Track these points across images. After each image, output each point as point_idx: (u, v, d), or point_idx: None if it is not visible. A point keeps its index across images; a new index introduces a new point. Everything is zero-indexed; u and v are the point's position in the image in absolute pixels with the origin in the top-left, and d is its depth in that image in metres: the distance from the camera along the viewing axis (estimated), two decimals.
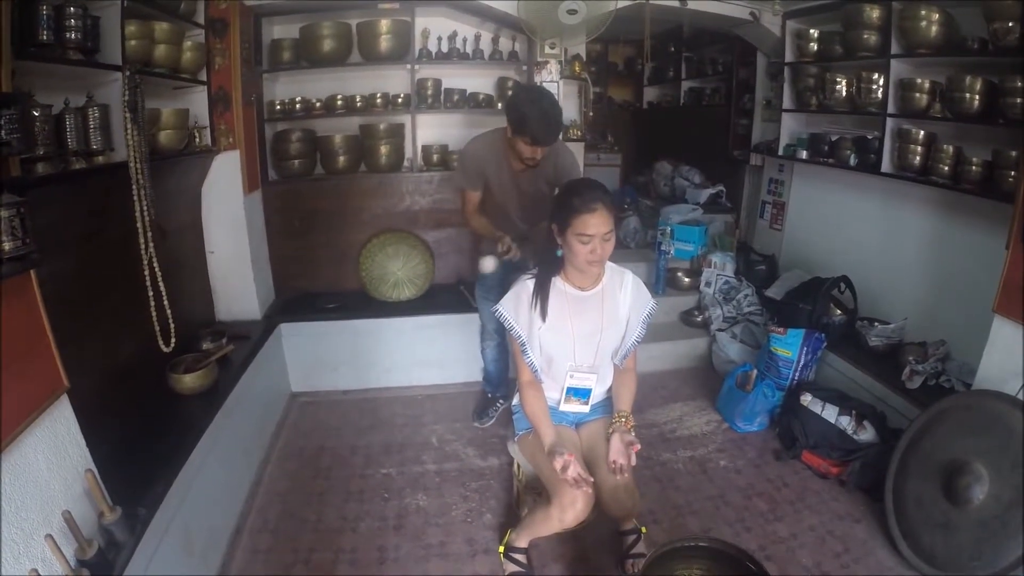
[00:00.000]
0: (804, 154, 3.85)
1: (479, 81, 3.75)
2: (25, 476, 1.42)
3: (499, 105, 3.66)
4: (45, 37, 1.74)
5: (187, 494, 2.04)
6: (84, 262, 2.01)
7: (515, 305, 2.12)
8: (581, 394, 2.20)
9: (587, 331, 2.11)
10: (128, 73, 2.03)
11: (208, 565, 2.21)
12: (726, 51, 5.24)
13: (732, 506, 2.71)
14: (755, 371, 3.34)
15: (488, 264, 2.70)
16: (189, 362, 2.52)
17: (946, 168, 2.95)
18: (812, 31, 3.76)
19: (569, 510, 1.93)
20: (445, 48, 3.59)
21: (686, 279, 4.23)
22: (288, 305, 3.56)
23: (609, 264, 2.14)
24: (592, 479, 1.96)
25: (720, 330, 3.81)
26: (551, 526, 2.06)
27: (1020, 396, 2.20)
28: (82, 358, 1.71)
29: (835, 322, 3.42)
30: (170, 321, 2.20)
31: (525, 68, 3.62)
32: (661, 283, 4.10)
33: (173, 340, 2.24)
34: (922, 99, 3.06)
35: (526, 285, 2.11)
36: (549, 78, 3.42)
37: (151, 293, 2.14)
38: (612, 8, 2.77)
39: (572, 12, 2.79)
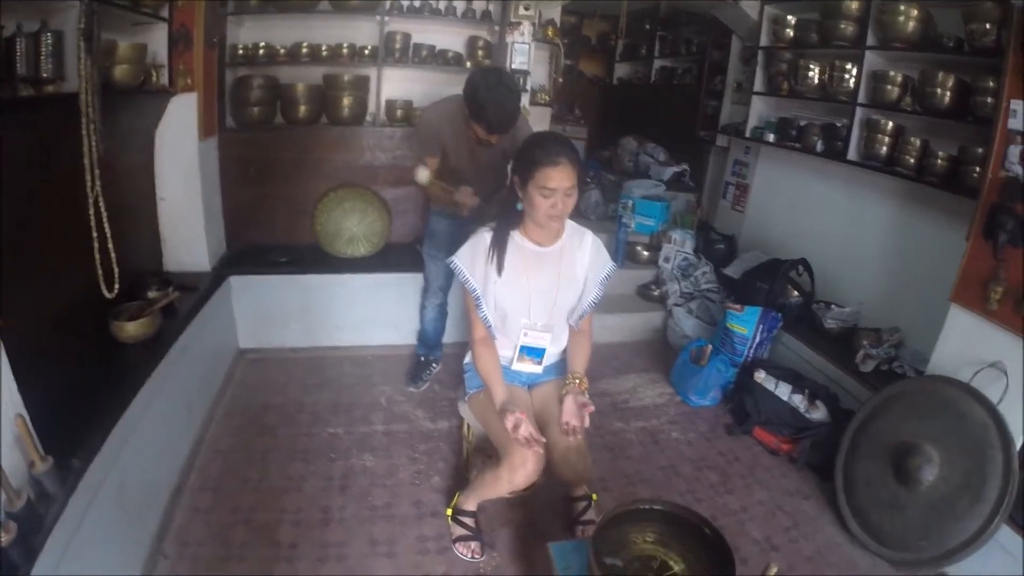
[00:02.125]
0: (772, 137, 3.81)
1: (450, 38, 3.57)
2: None
3: (468, 64, 3.49)
4: None
5: (124, 447, 1.87)
6: (26, 196, 1.82)
7: (471, 257, 2.01)
8: (535, 353, 2.12)
9: (543, 288, 2.02)
10: (85, 1, 1.82)
11: (145, 523, 2.05)
12: (701, 32, 5.18)
13: (683, 477, 2.68)
14: (710, 346, 3.31)
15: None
16: (133, 310, 2.32)
17: (912, 160, 2.95)
18: (789, 17, 3.72)
19: (520, 470, 1.86)
20: (417, 2, 3.40)
21: (645, 253, 4.18)
22: (239, 257, 3.34)
23: (570, 223, 2.06)
24: (544, 440, 1.88)
25: (677, 305, 3.77)
26: (501, 487, 1.98)
27: (972, 383, 2.22)
28: (17, 298, 1.54)
29: (791, 303, 3.42)
30: (114, 266, 1.98)
31: (497, 28, 3.45)
32: (620, 255, 4.04)
33: (117, 286, 2.02)
34: (893, 92, 3.05)
35: (483, 237, 2.00)
36: (521, 39, 3.27)
37: (96, 235, 1.93)
38: None
39: None
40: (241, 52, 3.29)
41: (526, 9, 3.20)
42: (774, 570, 1.35)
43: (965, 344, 2.35)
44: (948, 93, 2.75)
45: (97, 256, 1.94)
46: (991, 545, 2.03)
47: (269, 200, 3.47)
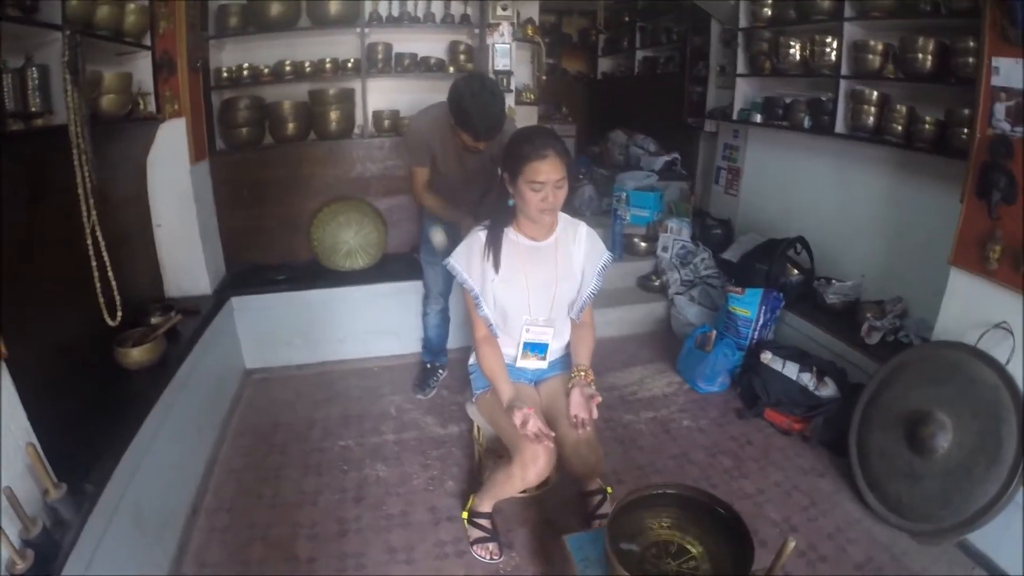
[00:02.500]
0: (758, 118, 3.82)
1: (431, 45, 3.60)
2: None
3: (451, 69, 3.51)
4: None
5: (137, 471, 1.89)
6: (22, 230, 1.83)
7: (467, 257, 2.02)
8: (538, 349, 2.12)
9: (542, 282, 2.02)
10: (68, 33, 1.86)
11: (164, 545, 2.06)
12: (679, 20, 5.18)
13: (697, 464, 2.67)
14: (714, 332, 3.30)
15: (438, 237, 2.70)
16: (137, 336, 2.33)
17: (899, 128, 2.95)
18: None
19: (531, 467, 1.86)
20: (396, 12, 3.42)
21: (642, 244, 4.19)
22: (239, 278, 3.35)
23: (562, 215, 2.07)
24: (553, 434, 1.88)
25: (678, 294, 3.77)
26: (514, 485, 1.98)
27: (978, 345, 2.20)
28: (22, 331, 1.55)
29: (792, 282, 3.41)
30: (115, 293, 2.01)
31: (477, 31, 3.46)
32: (618, 248, 4.04)
33: (119, 313, 2.05)
34: (875, 61, 3.04)
35: (478, 236, 2.01)
36: (501, 40, 3.29)
37: (95, 264, 1.95)
38: None
39: None
40: (225, 75, 3.32)
41: (504, 10, 3.22)
42: (791, 545, 1.35)
43: (968, 307, 2.34)
44: (930, 57, 2.76)
45: (98, 285, 1.97)
46: (1011, 508, 2.01)
47: (264, 219, 3.49)
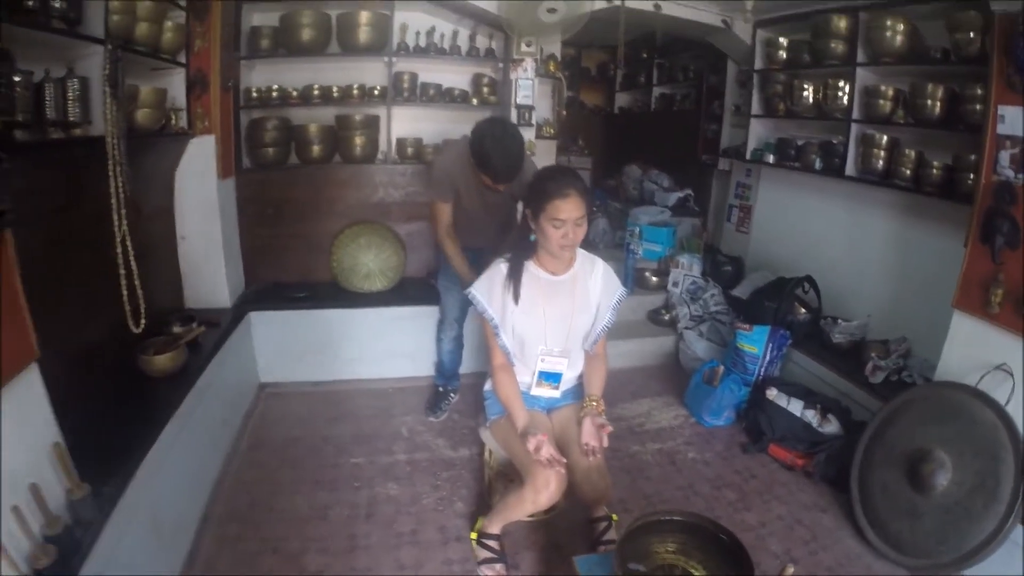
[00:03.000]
0: (771, 158, 3.94)
1: (455, 76, 3.75)
2: None
3: (474, 101, 3.66)
4: (31, 3, 1.68)
5: (156, 476, 1.96)
6: (55, 235, 1.92)
7: (488, 288, 2.11)
8: (552, 378, 2.20)
9: (559, 315, 2.11)
10: (110, 47, 1.98)
11: (176, 550, 2.14)
12: (697, 58, 5.33)
13: (702, 496, 2.73)
14: (722, 367, 3.37)
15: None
16: (159, 344, 2.43)
17: (908, 172, 3.05)
18: (782, 39, 3.87)
19: (543, 491, 1.93)
20: (423, 43, 3.58)
21: (653, 278, 4.28)
22: (258, 294, 3.46)
23: (581, 252, 2.17)
24: (565, 460, 1.96)
25: (687, 328, 3.85)
26: (525, 509, 2.04)
27: (979, 386, 2.27)
28: (49, 332, 1.60)
29: (799, 320, 3.49)
30: (141, 302, 2.11)
31: (501, 65, 3.62)
32: (629, 282, 4.13)
33: (143, 321, 2.15)
34: (886, 105, 3.16)
35: (500, 268, 2.10)
36: (525, 75, 3.45)
37: (123, 272, 2.05)
38: (588, 8, 2.82)
39: (552, 11, 2.82)
40: (255, 95, 3.46)
41: (528, 46, 3.38)
42: (791, 571, 1.42)
43: (970, 349, 2.42)
44: (939, 103, 2.87)
45: (124, 292, 2.06)
46: (1008, 545, 2.08)
47: (286, 238, 3.61)
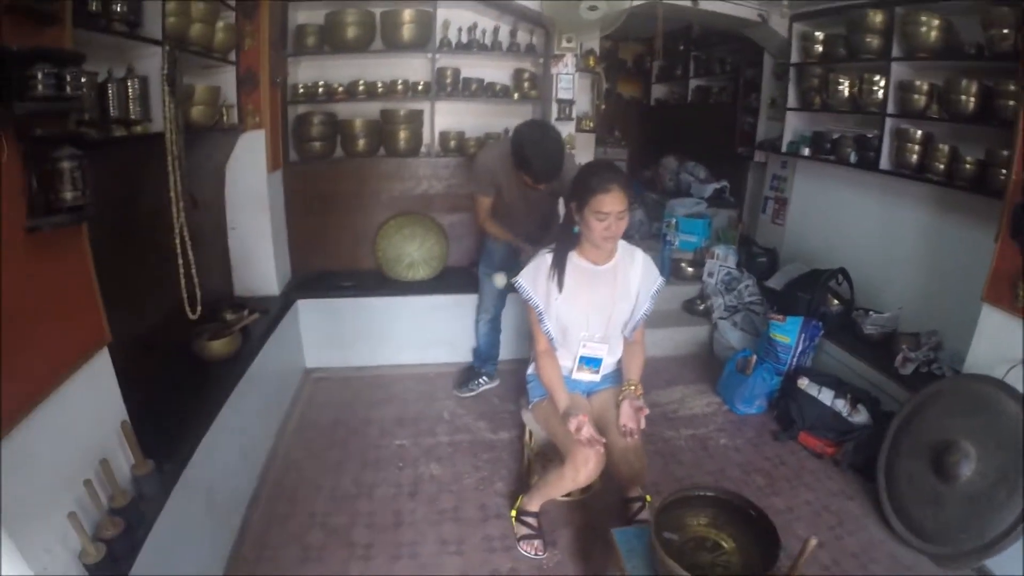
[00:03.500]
0: (807, 151, 3.97)
1: (497, 72, 3.87)
2: (66, 422, 1.47)
3: (515, 96, 3.78)
4: (94, 7, 1.80)
5: (211, 456, 2.11)
6: (118, 227, 2.07)
7: (533, 277, 2.24)
8: (593, 363, 2.33)
9: (600, 303, 2.24)
10: (167, 48, 2.12)
11: (228, 527, 2.32)
12: (734, 51, 5.36)
13: (732, 480, 2.83)
14: (755, 356, 3.45)
15: (499, 280, 2.98)
16: (213, 330, 2.61)
17: (941, 166, 3.08)
18: (817, 33, 3.89)
19: (583, 468, 2.06)
20: (465, 39, 3.70)
21: (689, 269, 4.36)
22: (305, 282, 3.65)
23: (622, 243, 2.27)
24: (604, 440, 2.09)
25: (722, 318, 3.94)
26: (564, 485, 2.18)
27: (1006, 379, 2.32)
28: (114, 318, 1.74)
29: (832, 311, 3.54)
30: (196, 289, 2.24)
31: (541, 60, 3.72)
32: (666, 272, 4.21)
33: (199, 308, 2.27)
34: (920, 100, 3.19)
35: (544, 259, 2.23)
36: (565, 70, 3.55)
37: (180, 261, 2.19)
38: (628, 5, 2.92)
39: (593, 8, 2.93)
40: (301, 90, 3.62)
41: (568, 42, 3.47)
42: (813, 542, 1.54)
43: (998, 342, 2.45)
44: (972, 99, 2.89)
45: (182, 280, 2.18)
46: None
47: (332, 228, 3.79)
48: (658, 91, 7.21)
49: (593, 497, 2.57)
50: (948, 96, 3.01)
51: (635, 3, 3.35)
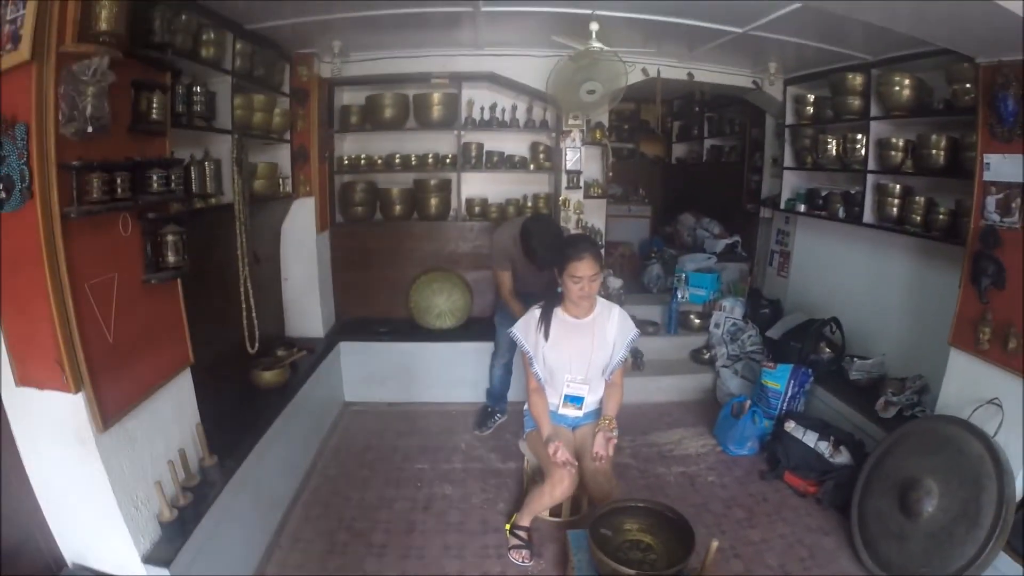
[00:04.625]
0: (802, 207, 4.32)
1: (516, 145, 4.56)
2: (159, 418, 2.18)
3: (531, 167, 4.45)
4: (180, 109, 2.50)
5: (260, 462, 2.76)
6: (197, 277, 2.68)
7: (525, 327, 2.80)
8: (576, 400, 2.83)
9: (581, 350, 2.75)
10: (236, 136, 2.90)
11: (271, 520, 2.93)
12: (742, 113, 5.74)
13: (712, 513, 3.20)
14: (748, 401, 3.82)
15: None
16: (266, 363, 3.30)
17: (918, 218, 3.34)
18: (809, 96, 4.28)
19: (558, 486, 2.57)
20: (487, 116, 4.40)
21: (697, 320, 4.79)
22: (346, 327, 4.38)
23: (601, 300, 2.81)
24: (576, 463, 2.59)
25: (724, 366, 4.34)
26: (544, 501, 2.69)
27: (971, 419, 2.58)
28: (197, 348, 2.45)
29: (823, 359, 3.89)
30: (255, 328, 2.99)
31: (554, 135, 4.36)
32: (673, 324, 4.70)
33: (257, 344, 3.03)
34: (897, 156, 3.46)
35: (534, 313, 2.80)
36: (572, 144, 4.17)
37: (244, 306, 2.94)
38: (624, 86, 3.51)
39: (591, 92, 3.54)
40: (346, 162, 4.39)
41: (575, 119, 4.10)
42: (715, 544, 1.98)
43: (965, 383, 2.70)
44: (942, 152, 3.14)
45: (244, 321, 2.93)
46: (991, 572, 2.36)
47: (372, 282, 4.51)
48: (678, 150, 7.69)
49: (580, 519, 3.00)
50: (920, 151, 3.29)
51: (632, 81, 3.93)
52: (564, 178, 4.28)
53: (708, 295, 4.80)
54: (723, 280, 4.93)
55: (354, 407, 4.35)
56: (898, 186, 3.54)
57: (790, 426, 3.50)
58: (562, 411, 2.86)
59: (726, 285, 4.92)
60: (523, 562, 2.79)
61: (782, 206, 4.62)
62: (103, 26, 1.76)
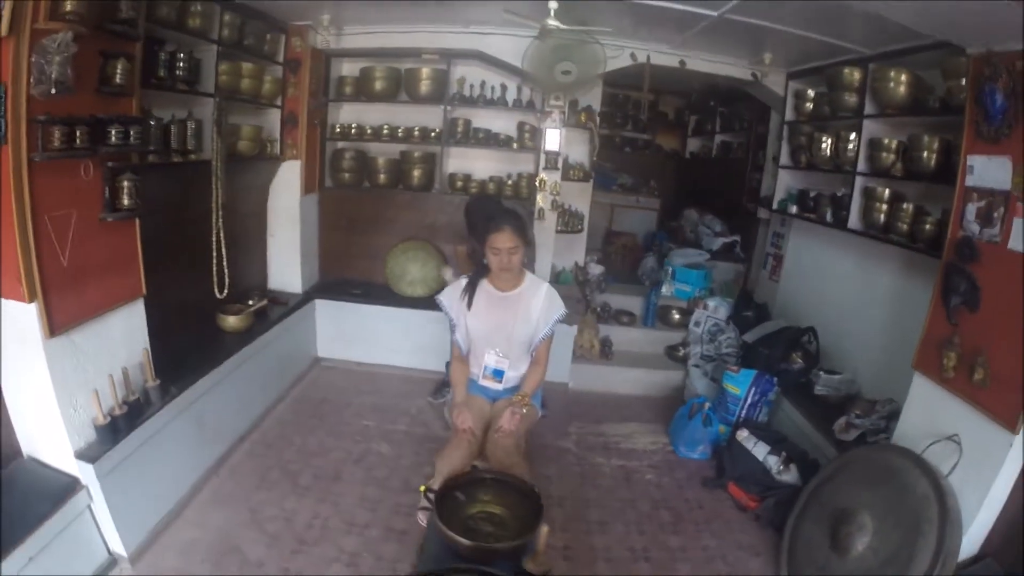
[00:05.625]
0: (794, 209, 4.27)
1: (503, 123, 4.75)
2: (105, 339, 2.61)
3: (514, 146, 4.63)
4: (162, 74, 2.96)
5: (207, 394, 3.20)
6: (174, 223, 3.26)
7: (450, 295, 3.00)
8: (496, 373, 2.98)
9: (502, 323, 2.90)
10: (217, 99, 3.30)
11: (213, 449, 3.35)
12: (750, 108, 5.62)
13: (637, 511, 3.26)
14: (708, 403, 3.88)
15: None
16: (233, 309, 3.71)
17: (904, 226, 3.17)
18: (810, 91, 4.18)
19: (455, 452, 2.73)
20: (475, 93, 4.62)
21: (677, 316, 4.87)
22: (326, 286, 4.79)
23: (532, 276, 2.97)
24: (476, 433, 2.75)
25: (695, 366, 4.39)
26: (444, 464, 2.81)
27: (925, 455, 2.40)
28: (162, 284, 2.90)
29: (793, 369, 3.89)
30: (225, 276, 3.40)
31: (539, 115, 4.50)
32: (651, 317, 4.82)
33: (226, 290, 3.44)
34: (888, 158, 3.32)
35: (461, 282, 2.98)
36: (552, 125, 4.33)
37: (215, 254, 3.35)
38: (600, 71, 3.59)
39: (566, 72, 3.63)
40: (338, 130, 4.74)
41: (556, 100, 4.25)
42: (545, 529, 2.04)
43: (926, 413, 2.53)
44: (934, 155, 2.99)
45: (214, 267, 3.33)
46: None
47: (354, 245, 4.88)
48: (693, 144, 7.62)
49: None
50: (911, 153, 3.13)
51: (620, 66, 4.01)
52: (542, 158, 4.44)
53: (693, 291, 4.85)
54: (715, 279, 4.96)
55: (325, 362, 4.77)
56: (887, 190, 3.38)
57: (742, 435, 3.52)
58: (482, 382, 3.00)
59: (718, 284, 4.95)
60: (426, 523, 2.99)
61: (774, 206, 4.58)
62: (68, 7, 2.15)
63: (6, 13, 1.97)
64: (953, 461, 2.33)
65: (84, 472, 2.46)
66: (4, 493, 2.31)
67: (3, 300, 2.24)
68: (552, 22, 3.12)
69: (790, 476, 3.20)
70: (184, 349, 3.27)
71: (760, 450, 3.37)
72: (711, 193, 6.37)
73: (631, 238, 6.04)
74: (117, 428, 2.58)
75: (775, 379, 3.80)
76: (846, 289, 3.99)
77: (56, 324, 2.30)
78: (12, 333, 2.28)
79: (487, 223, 2.78)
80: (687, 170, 7.63)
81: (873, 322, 3.68)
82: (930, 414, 2.52)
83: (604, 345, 4.56)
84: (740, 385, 3.81)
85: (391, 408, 4.14)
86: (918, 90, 3.22)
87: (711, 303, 4.62)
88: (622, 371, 4.53)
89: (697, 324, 4.61)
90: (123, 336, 2.71)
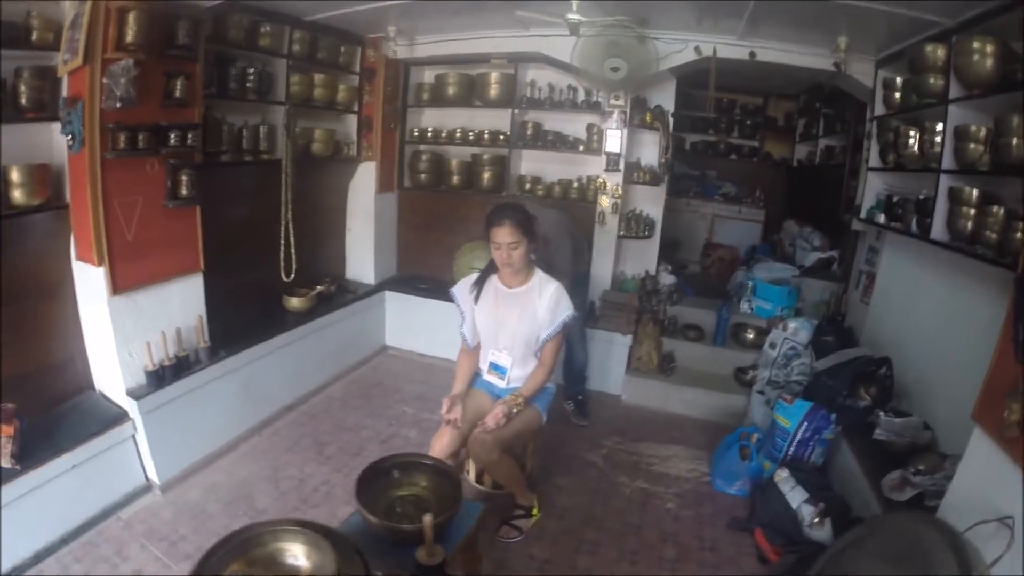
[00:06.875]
0: (881, 217, 3.55)
1: (573, 125, 4.67)
2: (164, 302, 3.14)
3: (580, 148, 4.54)
4: (233, 86, 3.45)
5: (258, 362, 3.62)
6: (249, 214, 3.75)
7: (462, 289, 3.03)
8: (499, 370, 2.96)
9: (507, 319, 2.86)
10: (288, 107, 3.73)
11: (257, 412, 3.74)
12: (851, 107, 4.80)
13: (640, 539, 2.99)
14: (756, 435, 3.46)
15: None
16: (298, 292, 4.10)
17: (993, 236, 2.42)
18: (898, 79, 3.43)
19: (438, 440, 2.77)
20: (544, 96, 4.61)
21: (751, 335, 4.39)
22: (400, 279, 5.10)
23: (542, 274, 2.90)
24: (462, 427, 2.75)
25: (760, 392, 3.91)
26: (432, 450, 2.80)
27: (967, 535, 1.94)
28: (235, 268, 3.43)
29: (859, 406, 3.28)
30: (293, 262, 3.81)
31: (601, 115, 4.34)
32: (721, 334, 4.41)
33: (292, 275, 3.85)
34: (976, 149, 2.58)
35: (472, 276, 3.02)
36: (612, 126, 4.16)
37: (282, 242, 3.78)
38: (652, 70, 3.36)
39: (615, 69, 3.46)
40: (416, 133, 5.01)
41: (616, 99, 4.08)
42: (428, 518, 1.96)
43: (980, 479, 2.02)
44: None
45: (281, 253, 3.75)
46: None
47: (428, 243, 5.14)
48: (800, 151, 6.71)
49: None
50: (998, 141, 2.41)
51: (684, 61, 3.74)
52: (603, 160, 4.31)
53: (775, 310, 4.28)
54: (805, 298, 4.35)
55: (391, 350, 5.08)
56: (975, 191, 2.60)
57: (781, 475, 3.03)
58: (487, 377, 3.00)
59: (809, 305, 4.34)
60: None
61: (862, 215, 3.84)
62: (130, 38, 2.66)
63: (81, 45, 2.53)
64: (1001, 549, 1.78)
65: (131, 407, 2.97)
66: (68, 415, 2.90)
67: (81, 264, 2.83)
68: (573, 16, 2.99)
69: (822, 533, 2.71)
70: (247, 323, 3.71)
71: (796, 496, 2.87)
72: (812, 203, 5.67)
73: (730, 251, 5.59)
74: (163, 376, 3.07)
75: (834, 416, 3.21)
76: (933, 315, 3.23)
77: (119, 285, 2.86)
78: (86, 290, 2.88)
79: (490, 217, 2.77)
80: (793, 179, 6.84)
81: (961, 357, 2.86)
82: (985, 480, 1.98)
83: (664, 360, 4.21)
84: (792, 418, 3.27)
85: (433, 399, 4.25)
86: (1005, 61, 2.49)
87: (792, 324, 4.05)
88: (680, 389, 4.20)
89: (772, 346, 4.08)
90: (180, 302, 3.19)
